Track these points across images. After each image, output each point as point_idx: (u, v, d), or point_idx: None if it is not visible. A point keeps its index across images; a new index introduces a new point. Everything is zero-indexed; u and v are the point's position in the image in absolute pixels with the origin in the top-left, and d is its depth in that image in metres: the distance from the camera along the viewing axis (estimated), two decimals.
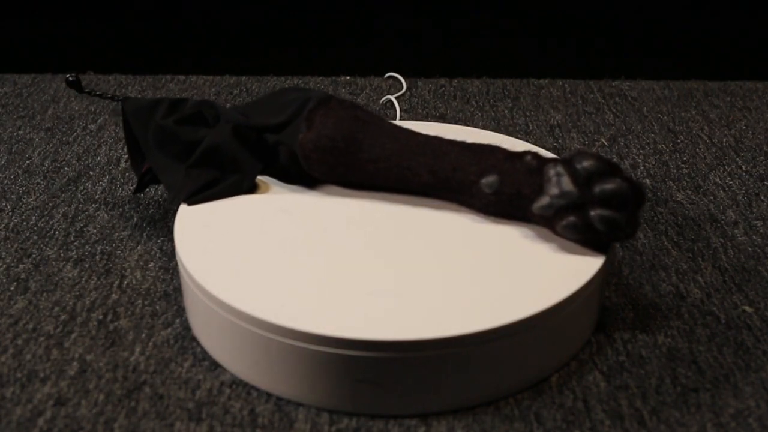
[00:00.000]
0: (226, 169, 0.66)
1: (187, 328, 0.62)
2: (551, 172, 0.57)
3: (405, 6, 1.08)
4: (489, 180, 0.59)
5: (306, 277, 0.56)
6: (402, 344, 0.51)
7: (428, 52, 1.11)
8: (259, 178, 0.68)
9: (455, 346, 0.52)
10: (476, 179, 0.60)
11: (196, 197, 0.65)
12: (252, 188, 0.67)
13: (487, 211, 0.62)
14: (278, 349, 0.53)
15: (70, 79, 0.77)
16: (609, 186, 0.55)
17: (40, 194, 0.81)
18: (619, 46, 1.10)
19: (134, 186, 0.81)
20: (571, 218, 0.56)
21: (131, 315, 0.64)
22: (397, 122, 0.72)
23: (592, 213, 0.56)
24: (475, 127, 0.93)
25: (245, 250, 0.59)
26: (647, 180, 0.84)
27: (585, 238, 0.57)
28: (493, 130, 0.92)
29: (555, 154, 0.86)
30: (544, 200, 0.57)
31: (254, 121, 0.68)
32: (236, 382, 0.57)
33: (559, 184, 0.56)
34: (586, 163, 0.56)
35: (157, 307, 0.65)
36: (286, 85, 1.06)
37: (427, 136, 0.63)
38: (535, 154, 0.59)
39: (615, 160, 0.87)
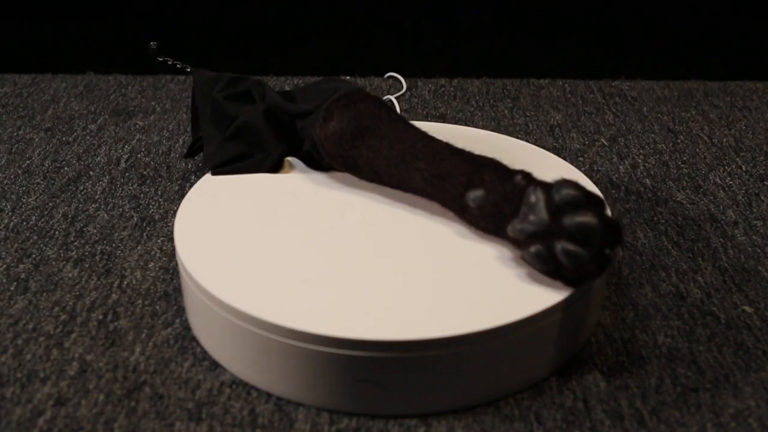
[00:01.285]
0: (254, 146, 0.70)
1: (187, 328, 0.62)
2: (531, 196, 0.55)
3: (405, 6, 1.08)
4: (475, 194, 0.58)
5: (306, 276, 0.56)
6: (402, 344, 0.51)
7: (428, 52, 1.11)
8: (286, 159, 0.71)
9: (455, 346, 0.52)
10: (463, 191, 0.59)
11: (221, 168, 0.69)
12: (274, 168, 0.70)
13: (472, 224, 0.60)
14: (278, 349, 0.53)
15: (153, 46, 0.80)
16: (578, 219, 0.52)
17: (40, 194, 0.81)
18: (619, 46, 1.10)
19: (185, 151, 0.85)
20: (538, 246, 0.54)
21: (131, 315, 0.64)
22: None
23: (558, 245, 0.53)
24: (475, 127, 0.93)
25: (245, 249, 0.59)
26: (647, 180, 0.84)
27: (549, 269, 0.55)
28: (493, 130, 0.92)
29: (555, 154, 0.86)
30: (517, 224, 0.55)
31: (288, 105, 0.70)
32: (236, 382, 0.57)
33: (534, 209, 0.54)
34: (564, 192, 0.53)
35: (157, 307, 0.65)
36: (286, 86, 1.06)
37: (436, 142, 0.62)
38: (528, 175, 0.57)
39: (615, 160, 0.87)
